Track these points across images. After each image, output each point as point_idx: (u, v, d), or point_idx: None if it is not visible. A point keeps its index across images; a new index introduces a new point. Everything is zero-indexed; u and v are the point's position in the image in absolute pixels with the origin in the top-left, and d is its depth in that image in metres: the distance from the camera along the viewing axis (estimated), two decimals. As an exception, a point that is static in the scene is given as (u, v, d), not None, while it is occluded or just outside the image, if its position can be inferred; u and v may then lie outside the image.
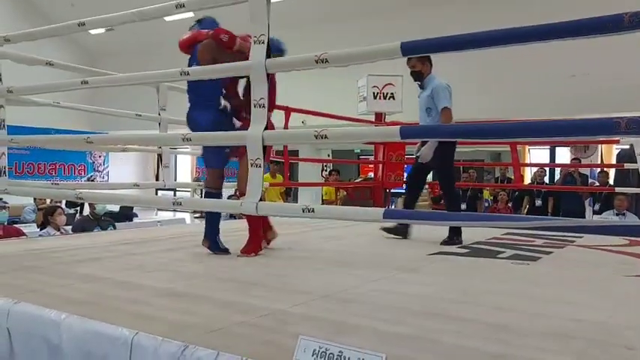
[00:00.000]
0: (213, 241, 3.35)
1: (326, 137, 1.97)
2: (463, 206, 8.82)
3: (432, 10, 10.11)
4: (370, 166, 9.71)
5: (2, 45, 3.10)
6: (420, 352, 1.66)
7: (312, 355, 1.52)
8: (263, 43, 2.12)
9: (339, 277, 2.79)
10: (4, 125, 3.26)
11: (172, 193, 11.32)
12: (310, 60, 2.01)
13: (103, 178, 14.15)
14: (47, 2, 12.90)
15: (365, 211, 1.90)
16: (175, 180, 12.57)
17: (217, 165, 3.36)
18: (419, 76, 4.07)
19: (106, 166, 14.38)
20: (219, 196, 3.32)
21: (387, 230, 4.21)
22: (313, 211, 2.01)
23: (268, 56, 2.13)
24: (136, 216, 9.15)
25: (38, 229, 5.60)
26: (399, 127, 1.77)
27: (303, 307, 2.16)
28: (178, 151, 6.53)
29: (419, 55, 3.80)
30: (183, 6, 2.29)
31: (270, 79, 3.16)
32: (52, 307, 2.05)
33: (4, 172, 3.23)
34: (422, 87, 4.13)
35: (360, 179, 9.45)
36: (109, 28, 10.86)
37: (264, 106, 2.17)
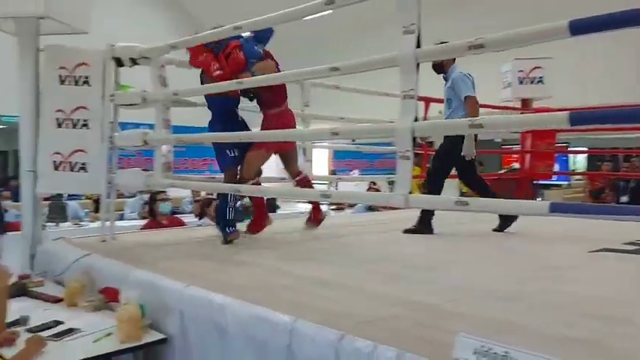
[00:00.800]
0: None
1: (481, 126, 1.87)
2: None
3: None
4: (514, 156, 9.16)
5: (169, 52, 3.42)
6: (596, 358, 1.52)
7: (474, 354, 1.46)
8: (413, 32, 2.07)
9: (492, 274, 2.67)
10: (169, 125, 3.60)
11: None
12: (463, 46, 1.92)
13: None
14: (200, 10, 13.95)
15: (529, 205, 1.78)
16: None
17: (227, 164, 3.55)
18: (441, 69, 3.96)
19: (250, 160, 15.24)
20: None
21: (409, 231, 3.94)
22: (467, 204, 1.93)
23: (418, 46, 2.08)
24: (279, 207, 9.59)
25: (196, 219, 6.12)
26: (567, 112, 1.62)
27: (456, 303, 2.10)
28: (315, 145, 6.72)
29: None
30: (333, 2, 2.31)
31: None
32: (217, 291, 2.21)
33: (171, 167, 3.58)
34: (446, 79, 4.03)
35: (504, 170, 8.95)
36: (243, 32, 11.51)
37: (413, 97, 2.13)
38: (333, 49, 10.19)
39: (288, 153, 3.75)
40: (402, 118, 2.14)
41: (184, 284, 2.34)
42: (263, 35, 3.52)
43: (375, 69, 2.30)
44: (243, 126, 3.61)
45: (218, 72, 3.31)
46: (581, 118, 1.63)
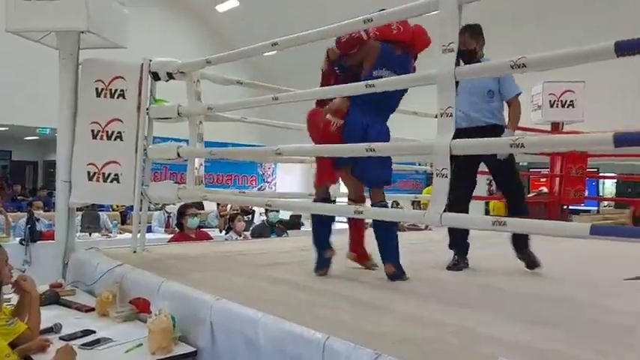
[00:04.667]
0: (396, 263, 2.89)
1: (522, 146, 1.85)
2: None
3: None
4: (542, 180, 9.02)
5: (204, 67, 3.47)
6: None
7: (515, 379, 1.42)
8: (452, 51, 2.07)
9: (526, 298, 2.62)
10: (202, 139, 3.64)
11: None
12: (505, 66, 1.91)
13: (271, 188, 15.08)
14: (227, 28, 14.20)
15: (570, 227, 1.74)
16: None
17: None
18: (472, 57, 3.25)
19: (274, 176, 15.34)
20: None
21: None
22: (505, 224, 1.90)
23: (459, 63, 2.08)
24: (303, 225, 9.58)
25: (222, 233, 6.16)
26: (611, 133, 1.60)
27: (490, 326, 2.05)
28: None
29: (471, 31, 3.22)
30: (371, 20, 2.32)
31: None
32: (248, 305, 2.20)
33: (202, 180, 3.60)
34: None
35: (532, 194, 8.80)
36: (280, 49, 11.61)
37: (451, 115, 2.12)
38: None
39: None
40: (439, 136, 2.13)
41: (215, 297, 2.33)
42: None
43: (411, 86, 2.30)
44: None
45: None
46: (625, 139, 1.60)
